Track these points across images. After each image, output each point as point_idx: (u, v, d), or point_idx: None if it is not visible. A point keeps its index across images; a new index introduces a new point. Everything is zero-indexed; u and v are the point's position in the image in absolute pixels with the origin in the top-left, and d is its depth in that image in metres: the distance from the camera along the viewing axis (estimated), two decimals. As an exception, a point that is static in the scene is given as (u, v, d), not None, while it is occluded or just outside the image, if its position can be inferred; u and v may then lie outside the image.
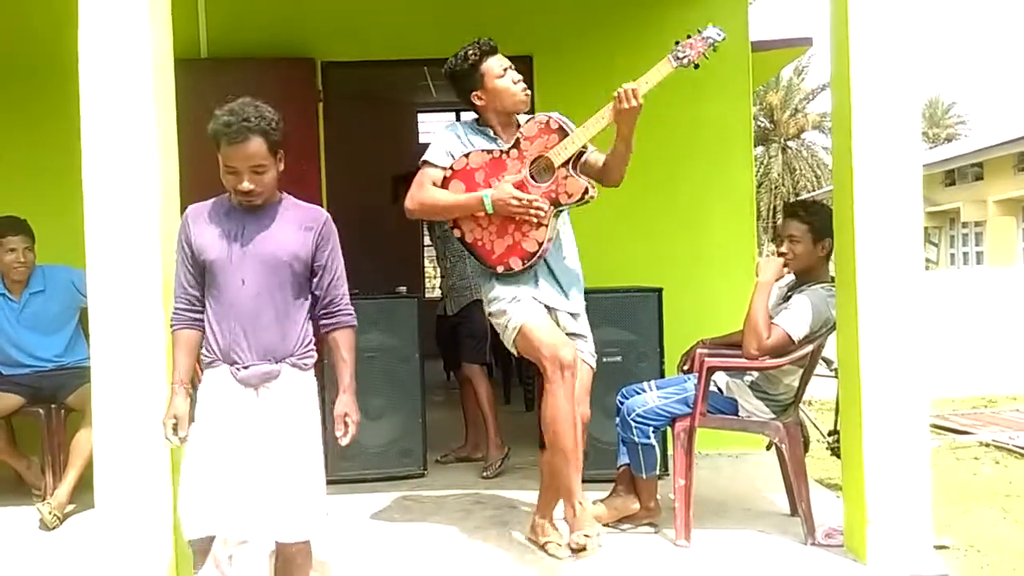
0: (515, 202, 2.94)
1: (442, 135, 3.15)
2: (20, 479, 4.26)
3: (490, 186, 3.00)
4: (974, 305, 10.83)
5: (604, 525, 3.33)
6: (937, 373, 10.44)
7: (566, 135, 2.98)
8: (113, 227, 2.89)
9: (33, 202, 4.40)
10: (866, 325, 2.91)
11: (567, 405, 2.94)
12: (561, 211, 3.05)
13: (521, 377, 7.07)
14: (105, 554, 2.88)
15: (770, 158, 36.34)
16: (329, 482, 3.97)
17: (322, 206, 4.82)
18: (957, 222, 22.37)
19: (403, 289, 4.71)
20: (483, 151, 3.05)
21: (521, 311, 2.99)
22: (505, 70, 3.06)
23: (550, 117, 3.03)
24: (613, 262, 4.69)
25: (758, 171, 33.70)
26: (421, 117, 9.23)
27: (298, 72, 4.84)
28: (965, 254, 22.27)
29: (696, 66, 2.93)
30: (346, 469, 4.28)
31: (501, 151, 3.03)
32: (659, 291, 4.24)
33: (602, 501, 3.42)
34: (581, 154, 3.05)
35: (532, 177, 3.00)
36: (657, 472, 3.37)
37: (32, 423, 4.13)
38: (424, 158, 3.09)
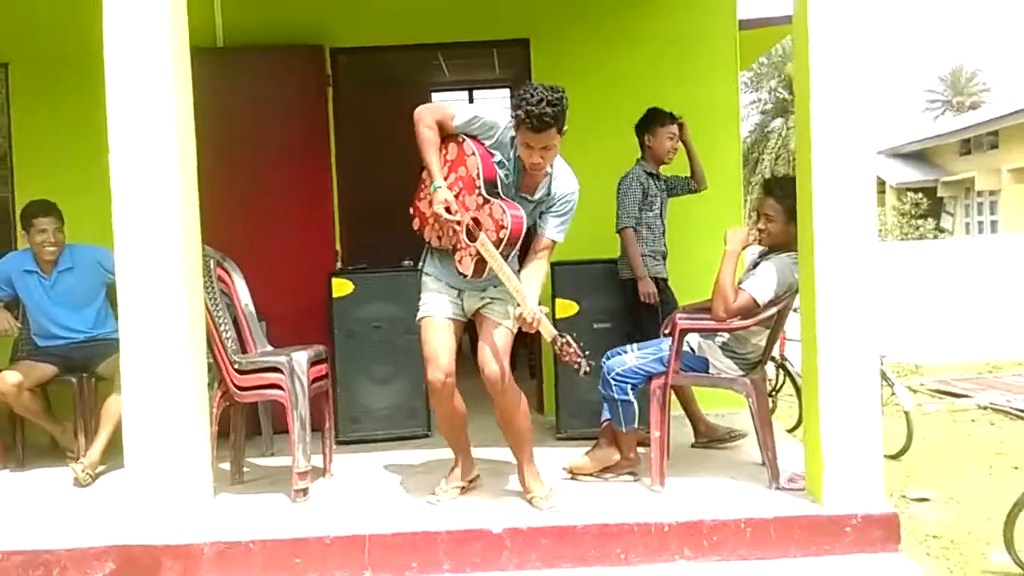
0: (436, 215, 3.27)
1: (487, 124, 3.31)
2: (54, 443, 4.61)
3: (453, 173, 3.34)
4: (988, 273, 10.97)
5: (587, 475, 3.64)
6: (947, 340, 10.69)
7: (498, 244, 3.20)
8: (137, 208, 3.19)
9: (59, 185, 4.72)
10: (822, 292, 3.17)
11: (441, 407, 3.47)
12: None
13: (527, 347, 7.34)
14: (136, 506, 3.21)
15: (788, 129, 36.10)
16: (339, 442, 4.36)
17: (332, 190, 5.13)
18: (972, 191, 22.26)
19: (408, 263, 4.99)
20: (480, 165, 3.27)
21: (429, 307, 3.42)
22: (531, 147, 3.17)
23: (505, 229, 3.19)
24: (606, 237, 4.93)
25: (776, 143, 33.50)
26: (435, 96, 9.43)
27: (307, 59, 5.08)
28: (980, 223, 22.15)
29: (565, 362, 3.14)
30: (355, 430, 4.60)
31: (480, 189, 3.26)
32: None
33: (587, 453, 3.71)
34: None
35: (468, 231, 3.28)
36: (636, 426, 3.64)
37: (64, 391, 4.46)
38: (465, 107, 3.41)
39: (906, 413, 5.72)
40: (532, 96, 3.07)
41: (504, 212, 3.22)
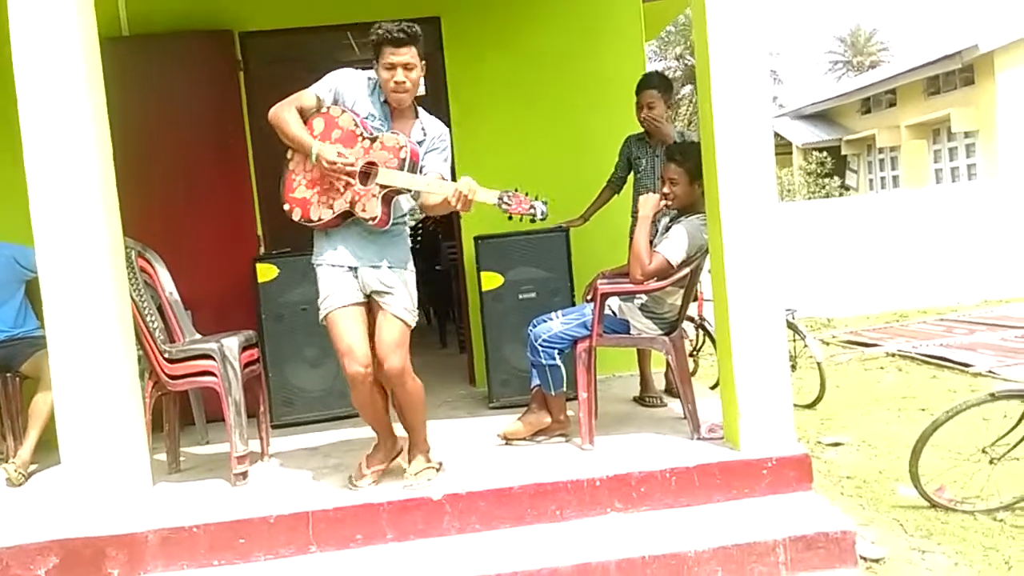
0: (327, 164, 3.21)
1: (345, 75, 3.38)
2: (-19, 445, 4.54)
3: (326, 141, 3.28)
4: (892, 227, 11.47)
5: (521, 439, 3.78)
6: (856, 293, 11.17)
7: (402, 167, 3.21)
8: (57, 203, 3.17)
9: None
10: (729, 251, 3.35)
11: (361, 400, 3.42)
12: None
13: (456, 322, 7.48)
14: (75, 499, 3.23)
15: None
16: (274, 426, 4.41)
17: (250, 175, 5.10)
18: (874, 148, 23.07)
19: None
20: (355, 119, 3.30)
21: (331, 299, 3.36)
22: (393, 66, 3.23)
23: (404, 147, 3.23)
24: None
25: (688, 110, 34.06)
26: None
27: (216, 44, 5.04)
28: (883, 178, 22.98)
29: (510, 217, 3.15)
30: (289, 413, 4.65)
31: (361, 134, 3.27)
32: (566, 231, 4.65)
33: (519, 419, 3.85)
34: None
35: (362, 173, 3.25)
36: (564, 388, 3.80)
37: (-13, 392, 4.40)
38: (316, 84, 3.37)
39: (818, 364, 6.04)
40: (388, 22, 3.23)
41: (397, 134, 3.26)
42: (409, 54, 3.22)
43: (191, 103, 5.01)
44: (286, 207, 3.38)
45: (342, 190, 3.27)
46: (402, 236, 3.48)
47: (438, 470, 3.45)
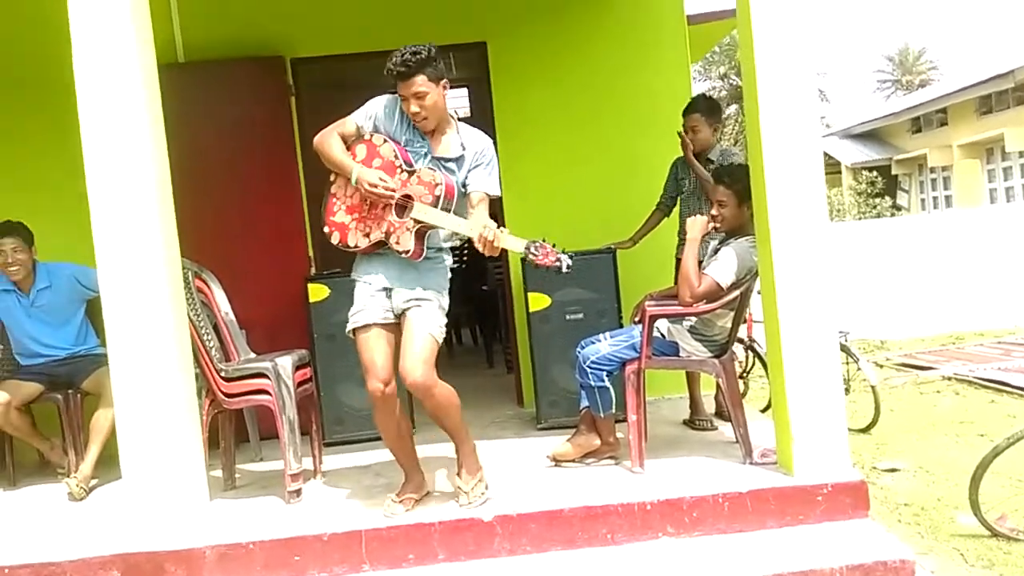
0: (368, 187, 3.28)
1: (377, 102, 3.44)
2: (43, 460, 4.66)
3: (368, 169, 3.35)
4: (945, 247, 11.25)
5: (570, 461, 3.78)
6: (910, 315, 10.94)
7: (437, 203, 3.27)
8: (117, 225, 3.27)
9: (34, 208, 4.72)
10: (780, 272, 3.33)
11: (383, 419, 3.44)
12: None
13: (503, 343, 7.49)
14: (136, 514, 3.30)
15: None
16: (325, 444, 4.46)
17: (302, 196, 5.21)
18: (925, 168, 22.72)
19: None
20: (395, 150, 3.36)
21: (360, 316, 3.40)
22: (407, 98, 3.29)
23: (440, 185, 3.28)
24: (570, 230, 5.05)
25: (733, 129, 33.86)
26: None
27: (268, 70, 5.16)
28: (935, 199, 22.62)
29: (535, 266, 3.16)
30: (340, 432, 4.71)
31: (401, 166, 3.34)
32: (613, 251, 4.66)
33: (568, 440, 3.85)
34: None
35: (398, 206, 3.32)
36: (614, 411, 3.79)
37: (49, 408, 4.51)
38: (356, 112, 3.46)
39: (872, 388, 5.92)
40: (396, 54, 3.26)
41: (434, 171, 3.31)
42: (416, 83, 3.24)
43: (244, 127, 5.12)
44: (326, 229, 3.47)
45: (381, 214, 3.32)
46: (443, 265, 3.50)
47: (486, 487, 3.44)
